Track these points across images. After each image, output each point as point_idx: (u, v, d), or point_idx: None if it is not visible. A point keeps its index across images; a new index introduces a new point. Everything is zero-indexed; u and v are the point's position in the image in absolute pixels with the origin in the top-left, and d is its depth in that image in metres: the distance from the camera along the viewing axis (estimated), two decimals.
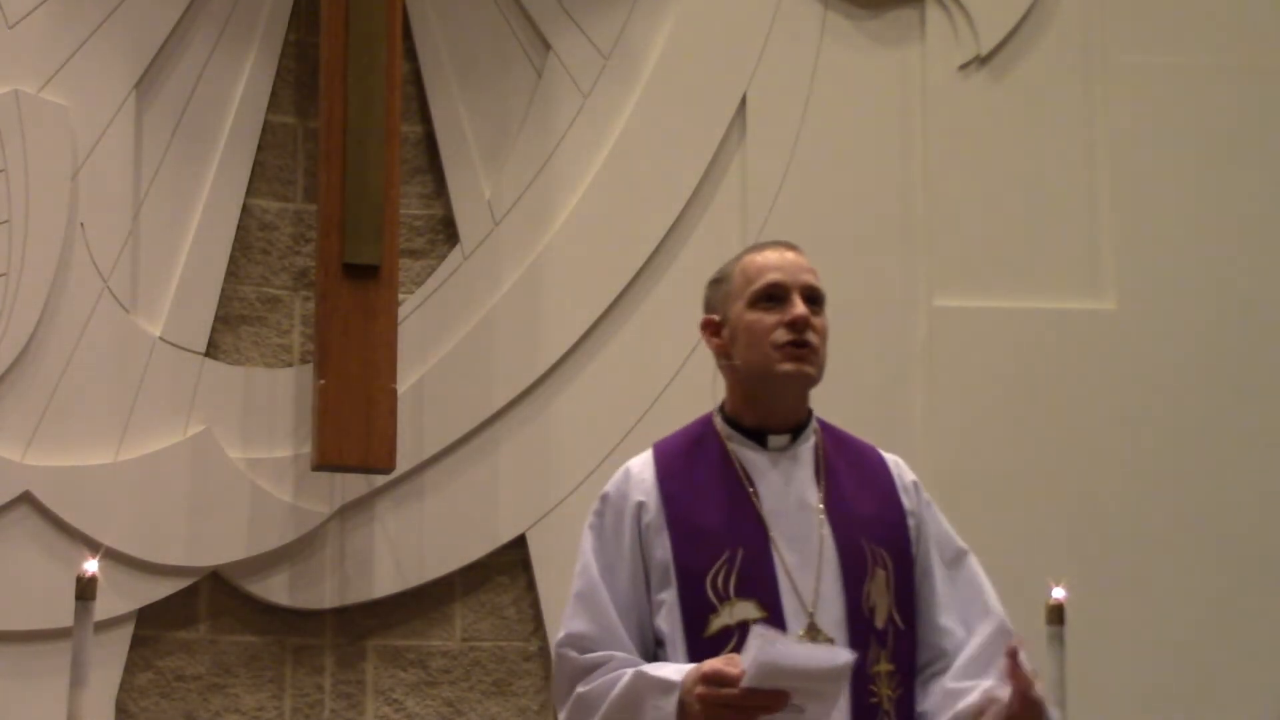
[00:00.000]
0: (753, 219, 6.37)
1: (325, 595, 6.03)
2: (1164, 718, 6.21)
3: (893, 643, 3.47)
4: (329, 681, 6.05)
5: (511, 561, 6.20)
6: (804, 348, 3.53)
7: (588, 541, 3.58)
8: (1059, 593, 4.80)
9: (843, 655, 3.21)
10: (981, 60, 6.56)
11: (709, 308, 3.69)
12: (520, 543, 6.18)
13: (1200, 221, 6.54)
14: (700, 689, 3.25)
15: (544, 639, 6.13)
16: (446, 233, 6.33)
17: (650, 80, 6.40)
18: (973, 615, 3.59)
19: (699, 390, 6.21)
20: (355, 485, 6.05)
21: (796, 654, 3.17)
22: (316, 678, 6.05)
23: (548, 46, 6.38)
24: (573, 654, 3.49)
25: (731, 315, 3.61)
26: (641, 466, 3.62)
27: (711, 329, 3.65)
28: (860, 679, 3.41)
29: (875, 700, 3.43)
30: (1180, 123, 6.57)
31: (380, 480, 6.05)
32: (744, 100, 6.44)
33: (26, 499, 5.71)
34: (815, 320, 3.56)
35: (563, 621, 3.54)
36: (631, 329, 6.30)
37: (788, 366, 3.53)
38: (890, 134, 6.51)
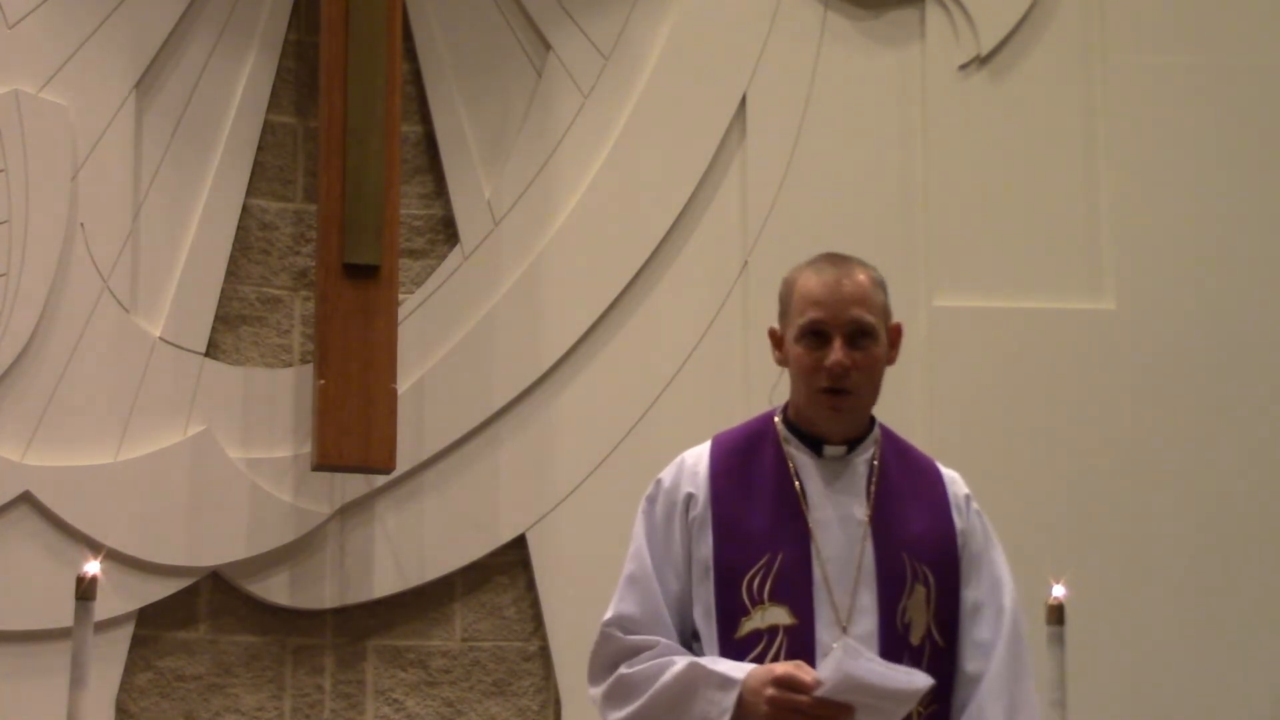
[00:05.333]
0: (753, 219, 6.37)
1: (325, 595, 6.03)
2: (1163, 718, 6.21)
3: (929, 660, 3.47)
4: (329, 681, 6.05)
5: (511, 561, 6.20)
6: (841, 395, 3.53)
7: (640, 526, 3.61)
8: (1059, 592, 4.80)
9: (920, 679, 3.24)
10: (981, 60, 6.56)
11: (779, 312, 3.67)
12: (520, 543, 6.18)
13: (1200, 221, 6.54)
14: (772, 691, 3.27)
15: (544, 639, 6.13)
16: (446, 233, 6.33)
17: (650, 80, 6.40)
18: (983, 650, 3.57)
19: (699, 390, 6.23)
20: (355, 485, 6.05)
21: (877, 671, 3.20)
22: (316, 678, 6.05)
23: (548, 46, 6.38)
24: (618, 634, 3.52)
25: (786, 338, 3.60)
26: (697, 458, 3.63)
27: (774, 341, 3.65)
28: None
29: (906, 716, 3.43)
30: (1180, 123, 6.58)
31: (380, 480, 6.05)
32: (744, 100, 6.44)
33: (26, 499, 5.71)
34: (860, 357, 3.52)
35: (612, 603, 3.56)
36: (632, 329, 6.30)
37: (825, 413, 3.55)
38: (890, 134, 6.51)
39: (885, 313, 3.60)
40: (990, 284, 6.46)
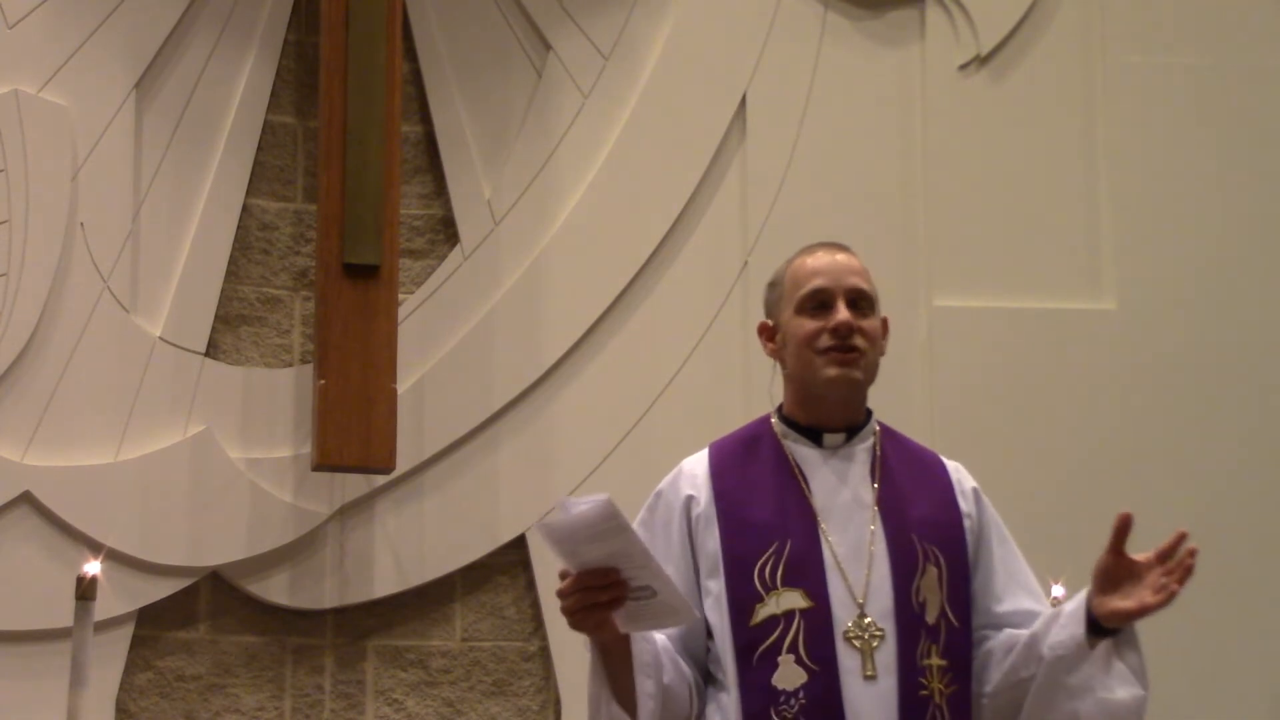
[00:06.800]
0: (753, 219, 6.37)
1: (325, 595, 6.03)
2: (1163, 717, 6.20)
3: (945, 638, 3.50)
4: (329, 681, 6.05)
5: (511, 561, 6.20)
6: (849, 352, 3.57)
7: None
8: (1059, 592, 4.80)
9: (599, 495, 3.13)
10: (981, 60, 6.56)
11: (766, 311, 3.74)
12: (520, 543, 6.18)
13: (1200, 221, 6.54)
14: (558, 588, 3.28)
15: (544, 639, 6.13)
16: (446, 233, 6.33)
17: (650, 80, 6.40)
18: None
19: (699, 390, 6.23)
20: (355, 485, 6.05)
21: (569, 510, 3.13)
22: (316, 678, 6.05)
23: (548, 46, 6.38)
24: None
25: (782, 321, 3.65)
26: (695, 463, 3.67)
27: (766, 334, 3.70)
28: (910, 671, 3.44)
29: (926, 693, 3.44)
30: (1180, 123, 6.58)
31: (380, 480, 6.05)
32: (744, 100, 6.44)
33: (26, 499, 5.70)
34: (863, 324, 3.59)
35: None
36: (632, 329, 6.30)
37: (832, 371, 3.57)
38: (890, 134, 6.51)
39: (877, 296, 3.67)
40: (990, 284, 6.46)
